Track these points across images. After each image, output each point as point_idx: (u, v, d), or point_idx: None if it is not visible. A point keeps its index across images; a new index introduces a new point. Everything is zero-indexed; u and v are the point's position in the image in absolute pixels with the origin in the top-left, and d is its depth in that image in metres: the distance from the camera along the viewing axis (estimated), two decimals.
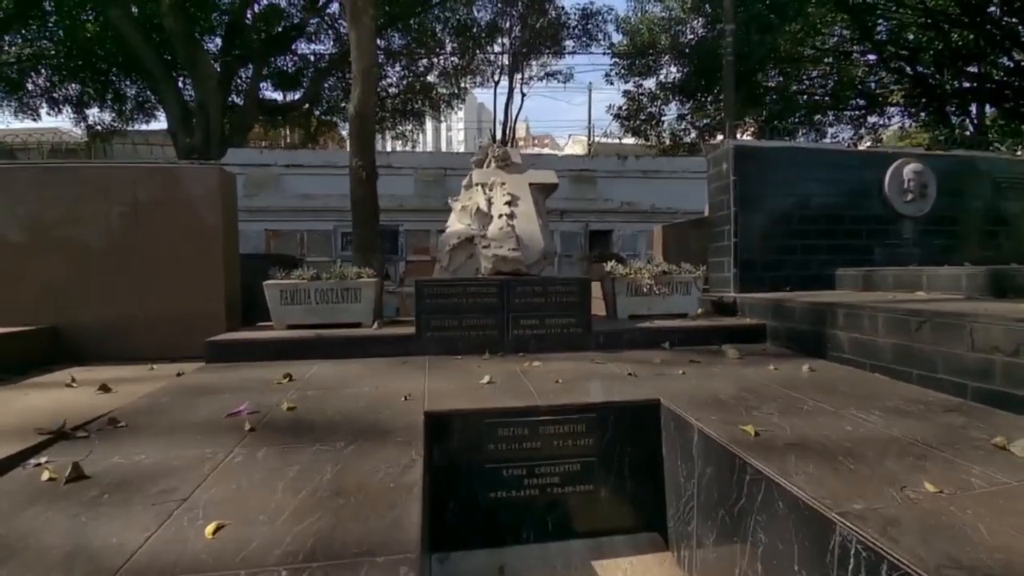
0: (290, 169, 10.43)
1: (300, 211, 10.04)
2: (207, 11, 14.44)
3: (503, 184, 3.50)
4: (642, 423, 2.18)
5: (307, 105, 17.97)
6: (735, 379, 2.50)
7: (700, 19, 17.57)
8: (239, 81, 16.05)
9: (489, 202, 3.41)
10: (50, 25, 14.00)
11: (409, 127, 19.97)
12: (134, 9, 12.97)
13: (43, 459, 1.65)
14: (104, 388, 2.48)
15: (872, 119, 18.37)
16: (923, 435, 1.74)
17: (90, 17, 13.40)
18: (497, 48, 18.09)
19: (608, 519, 2.18)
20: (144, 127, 17.05)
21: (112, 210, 3.28)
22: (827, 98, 18.32)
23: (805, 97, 19.23)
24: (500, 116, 18.67)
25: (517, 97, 17.79)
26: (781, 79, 19.03)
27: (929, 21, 14.94)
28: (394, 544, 1.15)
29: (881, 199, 4.12)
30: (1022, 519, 1.21)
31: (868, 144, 18.92)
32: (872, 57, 17.23)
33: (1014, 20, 14.16)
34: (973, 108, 16.44)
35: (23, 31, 13.72)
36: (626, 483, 2.19)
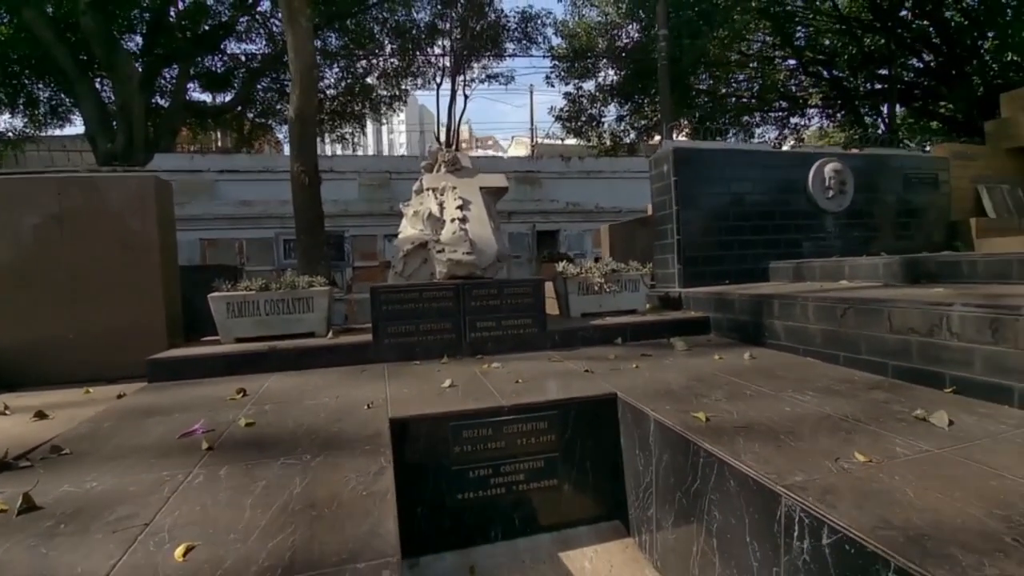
0: (225, 175, 9.99)
1: (238, 219, 9.62)
2: (126, 8, 13.56)
3: (454, 188, 3.53)
4: (601, 417, 2.28)
5: (239, 107, 17.23)
6: (684, 370, 2.65)
7: (635, 24, 18.20)
8: (164, 82, 15.17)
9: (441, 207, 3.43)
10: None
11: (349, 130, 19.53)
12: (49, 9, 12.01)
13: None
14: (40, 415, 2.32)
15: (794, 120, 19.64)
16: (852, 411, 1.92)
17: (2, 20, 12.29)
18: (438, 50, 18.00)
19: (572, 511, 2.26)
20: (59, 132, 15.79)
21: (32, 223, 3.05)
22: (753, 100, 19.41)
23: (734, 99, 20.31)
24: (444, 118, 18.58)
25: (460, 99, 17.73)
26: (712, 82, 20.02)
27: (843, 27, 16.15)
28: (374, 550, 1.17)
29: (806, 196, 4.45)
30: (945, 482, 1.37)
31: (791, 143, 20.19)
32: (792, 62, 18.43)
33: (925, 22, 15.52)
34: (884, 108, 17.87)
35: None
36: (588, 475, 2.28)
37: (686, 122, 21.02)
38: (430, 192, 3.54)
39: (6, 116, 14.57)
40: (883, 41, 15.59)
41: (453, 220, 3.34)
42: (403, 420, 2.08)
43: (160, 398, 2.50)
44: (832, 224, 4.54)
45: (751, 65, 19.47)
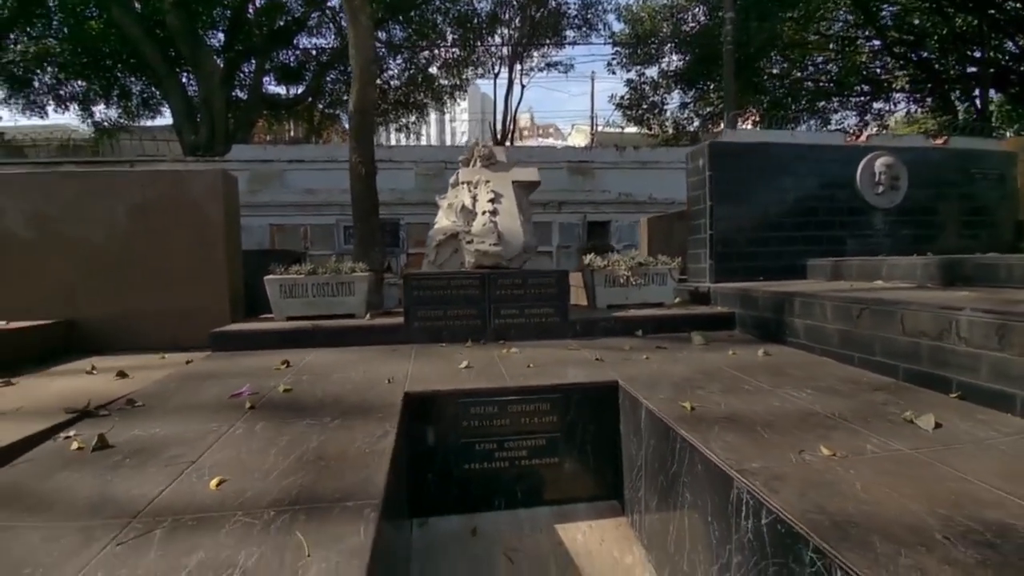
0: (293, 164, 10.67)
1: (303, 206, 10.29)
2: (209, 7, 14.63)
3: (487, 182, 3.72)
4: (602, 403, 2.42)
5: (310, 99, 18.20)
6: (694, 363, 2.72)
7: (701, 7, 17.53)
8: (242, 76, 16.28)
9: (474, 199, 3.64)
10: (55, 23, 14.26)
11: (412, 119, 20.12)
12: (137, 6, 13.20)
13: (72, 432, 1.92)
14: (121, 374, 2.75)
15: (877, 105, 18.32)
16: (842, 410, 1.96)
17: (94, 14, 13.64)
18: (497, 39, 18.16)
19: (571, 488, 2.43)
20: (150, 123, 17.36)
21: (122, 212, 3.54)
22: (831, 84, 18.24)
23: (810, 84, 19.18)
24: (501, 107, 18.78)
25: (517, 88, 17.84)
26: (786, 65, 18.98)
27: (933, 5, 14.84)
28: (363, 493, 1.40)
29: (853, 191, 4.29)
30: (901, 480, 1.43)
31: (873, 130, 18.86)
32: (876, 43, 17.13)
33: (1018, 5, 14.05)
34: (977, 93, 16.32)
35: (28, 29, 13.99)
36: (588, 456, 2.43)
37: (754, 109, 20.11)
38: (464, 185, 3.75)
39: (101, 107, 16.16)
40: (975, 22, 14.20)
41: (484, 212, 3.54)
42: (417, 395, 2.32)
43: (219, 365, 2.88)
44: (881, 221, 4.35)
45: (831, 47, 18.28)
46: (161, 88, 13.84)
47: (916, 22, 16.05)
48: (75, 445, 1.78)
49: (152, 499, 1.41)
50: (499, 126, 17.95)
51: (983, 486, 1.38)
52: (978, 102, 15.37)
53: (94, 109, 16.62)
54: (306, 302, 3.53)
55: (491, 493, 2.39)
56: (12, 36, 14.02)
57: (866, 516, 1.25)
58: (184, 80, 14.50)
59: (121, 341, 3.54)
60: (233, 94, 15.79)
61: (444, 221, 3.67)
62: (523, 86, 17.80)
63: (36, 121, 16.62)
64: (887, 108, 18.15)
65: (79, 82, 15.84)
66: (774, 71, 18.89)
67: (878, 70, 17.67)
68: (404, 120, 20.25)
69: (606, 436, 2.43)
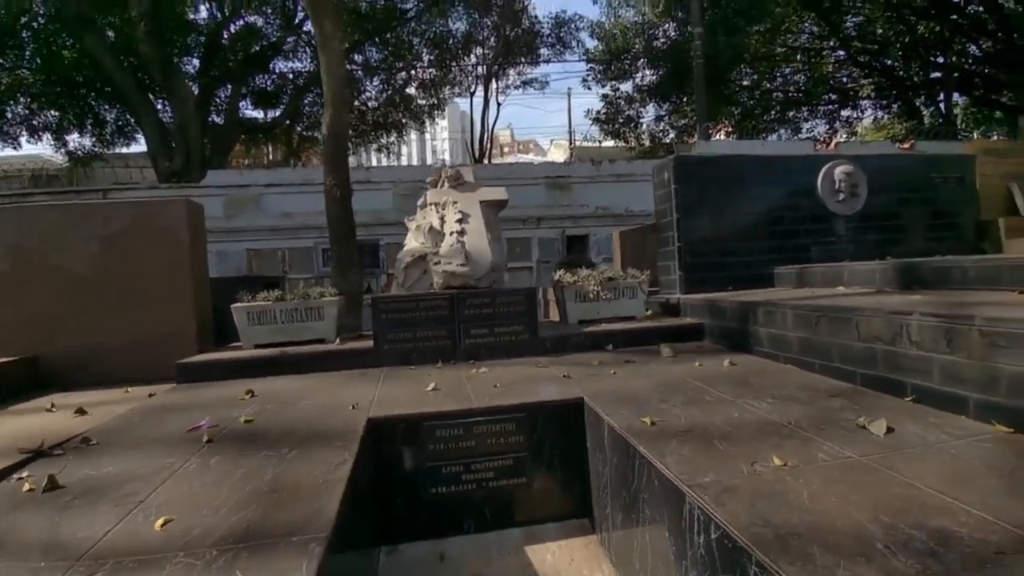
0: (270, 188, 10.62)
1: (280, 229, 10.24)
2: (183, 34, 14.66)
3: (455, 203, 3.74)
4: (568, 420, 2.42)
5: (288, 122, 18.21)
6: (659, 376, 2.74)
7: (671, 23, 17.95)
8: (219, 101, 16.25)
9: (442, 220, 3.65)
10: (27, 54, 14.15)
11: (391, 139, 20.21)
12: (110, 34, 13.17)
13: (24, 474, 1.87)
14: (80, 411, 2.69)
15: (846, 113, 18.86)
16: (799, 418, 1.98)
17: (68, 44, 13.57)
18: (472, 59, 18.39)
19: (540, 508, 2.41)
20: (125, 150, 17.21)
21: (87, 243, 3.50)
22: (800, 94, 18.75)
23: (779, 94, 19.68)
24: (478, 126, 18.98)
25: (493, 106, 18.04)
26: (755, 77, 19.47)
27: (894, 15, 15.39)
28: (311, 527, 1.38)
29: (815, 199, 4.39)
30: (848, 488, 1.44)
31: (843, 138, 19.36)
32: (842, 53, 17.68)
33: (980, 8, 14.59)
34: (941, 97, 16.87)
35: (1, 60, 13.86)
36: (556, 475, 2.42)
37: (727, 120, 20.56)
38: (432, 207, 3.76)
39: (75, 136, 16.00)
40: (937, 28, 14.75)
41: (452, 233, 3.55)
42: (381, 420, 2.30)
43: (182, 397, 2.84)
44: (844, 228, 4.45)
45: (798, 58, 18.83)
46: (135, 115, 13.74)
47: (879, 31, 16.62)
48: (27, 487, 1.74)
49: (97, 541, 1.37)
50: (476, 144, 18.08)
51: (929, 492, 1.40)
52: (942, 106, 15.87)
53: (68, 138, 16.45)
54: (274, 329, 3.50)
55: (459, 517, 2.36)
56: None
57: (810, 527, 1.26)
58: (159, 106, 14.44)
59: (87, 376, 3.47)
60: (209, 119, 15.74)
61: (412, 243, 3.68)
62: (499, 104, 18.05)
63: (9, 152, 16.41)
64: (855, 115, 18.69)
65: (52, 112, 15.69)
66: (745, 83, 19.37)
67: (844, 79, 18.21)
68: (383, 140, 20.34)
69: (574, 453, 2.42)
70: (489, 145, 18.94)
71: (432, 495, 2.34)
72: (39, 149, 17.90)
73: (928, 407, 2.03)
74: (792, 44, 17.85)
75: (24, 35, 13.53)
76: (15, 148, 16.11)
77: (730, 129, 19.72)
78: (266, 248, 10.30)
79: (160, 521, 1.45)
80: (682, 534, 1.50)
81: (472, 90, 18.22)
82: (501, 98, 18.69)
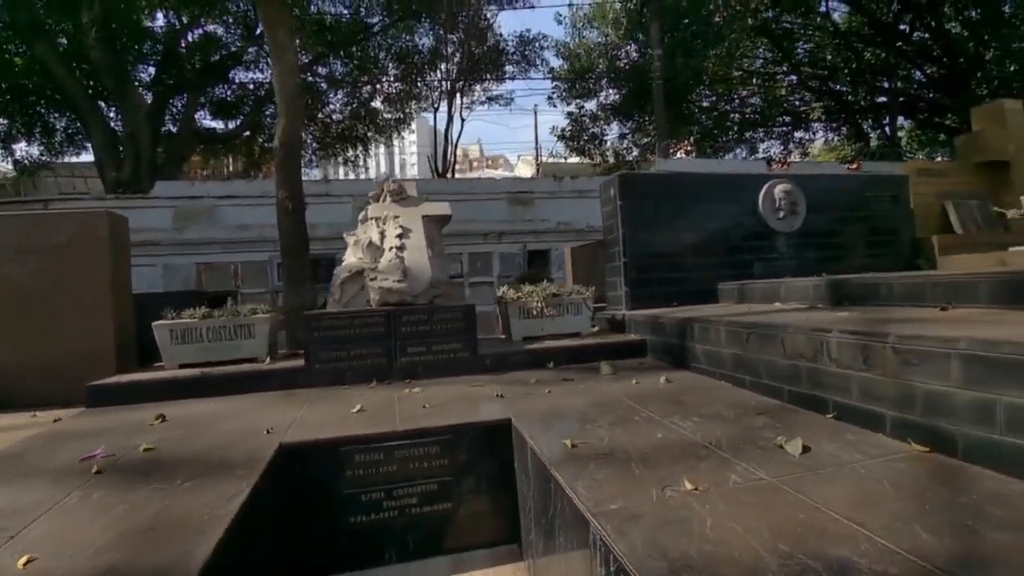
0: (225, 200, 10.30)
1: (233, 243, 9.91)
2: (139, 41, 14.23)
3: (396, 217, 3.66)
4: (496, 442, 2.34)
5: (248, 133, 17.81)
6: (594, 395, 2.69)
7: (633, 44, 18.43)
8: (175, 110, 15.78)
9: (382, 235, 3.55)
10: None
11: (355, 153, 19.97)
12: (63, 40, 12.67)
13: None
14: None
15: (799, 134, 19.61)
16: (721, 437, 1.95)
17: (19, 50, 12.99)
18: (439, 74, 18.42)
19: (468, 535, 2.31)
20: (75, 159, 16.51)
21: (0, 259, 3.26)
22: (756, 116, 19.43)
23: (736, 115, 20.36)
24: (453, 137, 18.98)
25: (457, 122, 18.08)
26: (714, 99, 20.11)
27: (842, 42, 16.15)
28: (176, 570, 1.26)
29: (757, 217, 4.48)
30: (753, 512, 1.40)
31: (796, 158, 20.12)
32: (794, 78, 18.44)
33: (925, 35, 15.43)
34: (887, 120, 17.72)
35: None
36: (484, 500, 2.33)
37: (689, 139, 21.13)
38: (373, 221, 3.67)
39: (22, 144, 15.27)
40: (883, 55, 15.54)
41: (391, 248, 3.46)
42: (295, 445, 2.17)
43: (87, 423, 2.64)
44: (785, 245, 4.55)
45: (754, 81, 19.54)
46: (84, 123, 13.19)
47: (828, 58, 17.41)
48: None
49: None
50: (440, 159, 18.05)
51: (835, 517, 1.36)
52: (887, 129, 16.67)
53: (15, 147, 15.67)
54: (200, 348, 3.31)
55: (381, 546, 2.24)
56: None
57: (706, 558, 1.21)
58: (110, 115, 13.92)
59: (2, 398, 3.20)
60: (165, 128, 15.26)
61: (351, 258, 3.57)
62: (463, 119, 18.07)
63: None
64: (807, 136, 19.44)
65: (0, 120, 14.94)
66: (704, 104, 19.97)
67: (797, 102, 18.96)
68: (349, 153, 20.08)
69: (502, 477, 2.34)
70: (453, 159, 18.90)
71: (351, 524, 2.22)
72: None
73: (848, 424, 2.03)
74: (748, 68, 18.52)
75: None
76: None
77: (690, 148, 20.26)
78: (218, 262, 9.95)
79: (23, 560, 1.32)
80: (589, 564, 1.44)
81: (436, 106, 18.21)
82: (466, 113, 18.75)
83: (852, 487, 1.52)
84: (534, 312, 3.71)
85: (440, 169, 18.21)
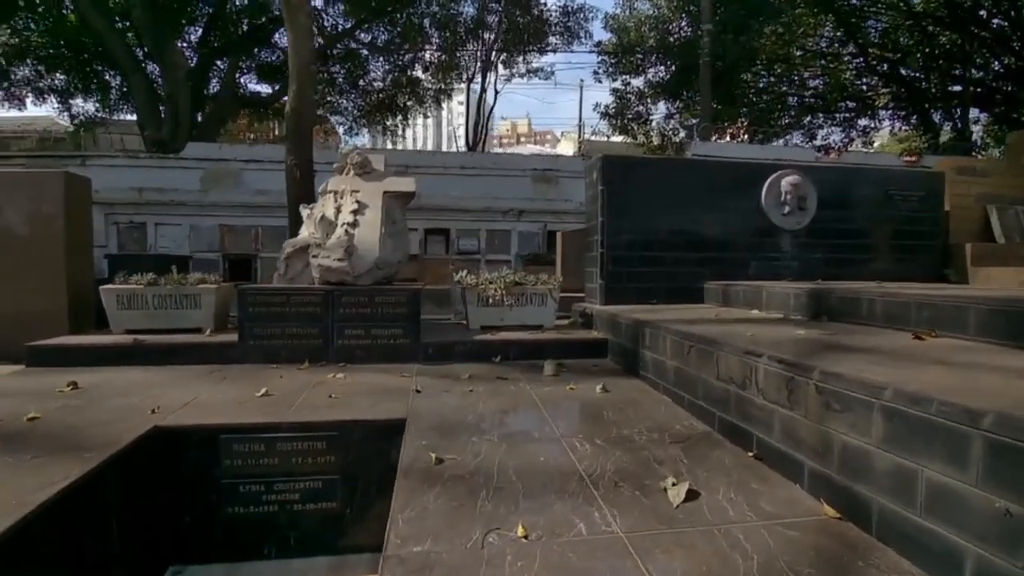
0: (250, 164, 10.44)
1: (255, 207, 10.07)
2: (187, 2, 14.50)
3: (355, 192, 3.48)
4: (387, 442, 2.16)
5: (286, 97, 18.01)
6: (514, 399, 2.47)
7: (686, 19, 17.34)
8: (219, 72, 16.08)
9: (337, 210, 3.40)
10: (35, 16, 14.11)
11: (395, 122, 19.89)
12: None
13: None
14: None
15: (863, 122, 18.06)
16: (607, 469, 1.71)
17: (73, 8, 13.49)
18: (478, 45, 17.96)
19: (352, 537, 2.17)
20: (131, 117, 17.19)
21: None
22: (816, 100, 18.03)
23: (796, 99, 18.97)
24: (486, 111, 18.62)
25: (491, 94, 17.68)
26: (772, 80, 18.79)
27: (915, 24, 14.63)
28: None
29: (759, 211, 4.05)
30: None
31: (858, 146, 18.67)
32: (860, 60, 16.93)
33: (1004, 23, 13.81)
34: (959, 112, 16.07)
35: (12, 22, 13.82)
36: (372, 502, 2.17)
37: (742, 122, 19.93)
38: (331, 195, 3.51)
39: (79, 100, 16.00)
40: (959, 40, 13.97)
41: (342, 224, 3.30)
42: (171, 429, 2.07)
43: (8, 383, 2.64)
44: (788, 243, 4.10)
45: (819, 63, 18.07)
46: (127, 81, 13.64)
47: (901, 40, 15.82)
48: None
49: None
50: (471, 132, 17.75)
51: None
52: (959, 122, 15.13)
53: (72, 102, 16.48)
54: (146, 314, 3.29)
55: (260, 540, 2.13)
56: None
57: None
58: (155, 74, 14.33)
59: None
60: (208, 90, 15.63)
61: (304, 232, 3.43)
62: (497, 92, 17.62)
63: (34, 111, 16.53)
64: (872, 125, 17.90)
65: (59, 75, 15.69)
66: (760, 85, 18.70)
67: (864, 87, 17.44)
68: (389, 122, 20.03)
69: (392, 479, 2.17)
70: (484, 133, 18.56)
71: (229, 515, 2.11)
72: (44, 111, 17.96)
73: (767, 467, 1.74)
74: (811, 48, 17.11)
75: None
76: (20, 109, 16.21)
77: (740, 131, 19.12)
78: (240, 225, 10.16)
79: None
80: None
81: (470, 77, 17.83)
82: (506, 86, 18.28)
83: (711, 560, 1.24)
84: (491, 300, 3.48)
85: (471, 142, 17.93)
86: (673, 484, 1.57)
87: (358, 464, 2.17)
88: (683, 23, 17.75)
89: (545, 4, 16.83)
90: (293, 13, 7.17)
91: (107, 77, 16.09)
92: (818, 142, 19.16)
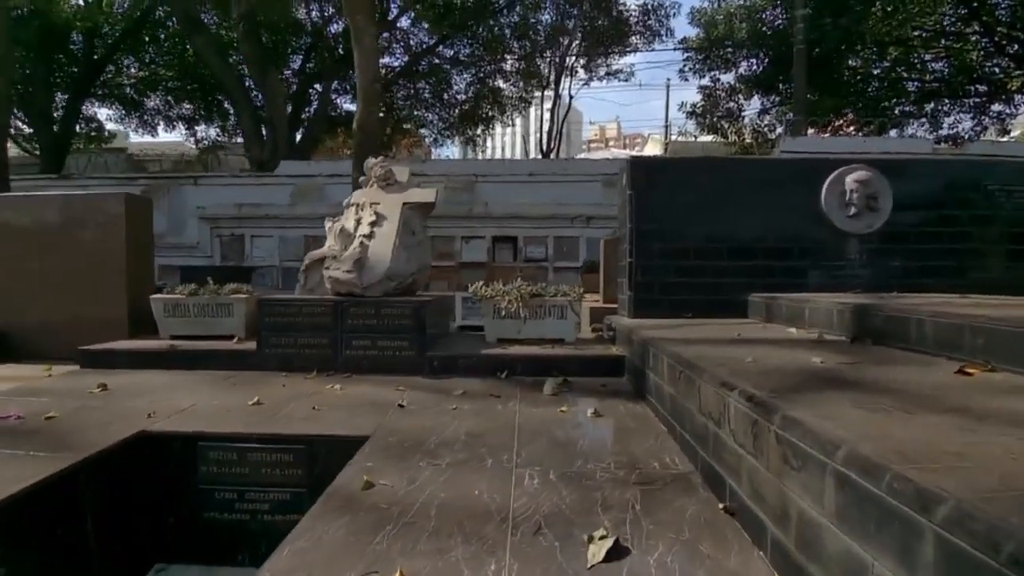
0: (332, 179, 11.16)
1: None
2: (290, 34, 15.92)
3: (375, 204, 3.54)
4: (350, 458, 2.12)
5: (381, 114, 19.07)
6: (494, 420, 2.33)
7: (779, 6, 16.02)
8: (317, 94, 17.44)
9: (357, 222, 3.47)
10: (160, 50, 16.27)
11: (475, 133, 20.35)
12: (223, 32, 14.67)
13: None
14: None
15: (996, 108, 15.54)
16: (544, 512, 1.52)
17: (191, 45, 15.39)
18: (560, 50, 17.86)
19: None
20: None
21: (41, 232, 3.82)
22: (937, 84, 15.83)
23: (916, 83, 16.80)
24: (560, 116, 18.48)
25: (565, 100, 17.46)
26: (887, 64, 16.79)
27: None
28: None
29: (817, 214, 3.54)
30: None
31: (992, 134, 16.15)
32: (988, 40, 14.60)
33: None
34: None
35: (139, 54, 16.05)
36: None
37: (850, 113, 18.02)
38: (353, 207, 3.59)
39: (203, 127, 18.16)
40: None
41: (359, 237, 3.36)
42: (155, 435, 2.18)
43: (55, 383, 2.97)
44: (856, 249, 3.54)
45: (941, 43, 15.88)
46: (236, 109, 15.20)
47: None
48: None
49: None
50: (544, 138, 17.65)
51: None
52: None
53: (197, 129, 18.77)
54: (188, 321, 3.56)
55: (235, 546, 2.18)
56: (125, 62, 16.20)
57: None
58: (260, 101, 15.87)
59: (42, 349, 3.79)
60: (307, 112, 17.02)
61: (326, 244, 3.54)
62: (571, 96, 17.37)
63: (147, 138, 19.12)
64: (1007, 111, 15.35)
65: (187, 104, 17.96)
66: (873, 71, 16.77)
67: (996, 70, 15.03)
68: (470, 133, 20.54)
69: None
70: (558, 139, 18.36)
71: (206, 519, 2.19)
72: (173, 137, 20.56)
73: (737, 525, 1.46)
74: (931, 27, 15.06)
75: (159, 33, 15.60)
76: (152, 136, 18.75)
77: (848, 123, 17.29)
78: (322, 235, 10.87)
79: None
80: None
81: (544, 84, 17.76)
82: (585, 89, 18.04)
83: None
84: (503, 313, 3.36)
85: (544, 149, 17.85)
86: (601, 538, 1.36)
87: (323, 478, 2.14)
88: (777, 10, 16.43)
89: (624, 4, 16.38)
90: (359, 34, 7.57)
91: (226, 105, 18.14)
92: (944, 132, 16.80)
